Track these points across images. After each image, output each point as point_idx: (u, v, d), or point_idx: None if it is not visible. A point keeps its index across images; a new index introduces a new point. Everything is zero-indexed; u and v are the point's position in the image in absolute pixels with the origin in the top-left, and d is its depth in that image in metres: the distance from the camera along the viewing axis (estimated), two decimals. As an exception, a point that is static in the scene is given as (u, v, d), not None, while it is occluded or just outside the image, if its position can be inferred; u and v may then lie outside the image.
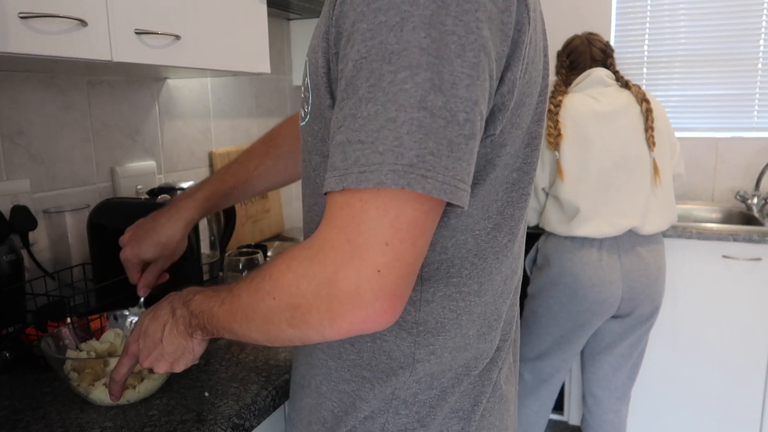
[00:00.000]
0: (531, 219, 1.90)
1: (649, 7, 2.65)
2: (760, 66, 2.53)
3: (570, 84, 1.92)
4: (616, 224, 1.72)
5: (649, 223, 1.75)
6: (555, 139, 1.75)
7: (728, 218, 2.51)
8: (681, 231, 2.10)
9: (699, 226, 2.14)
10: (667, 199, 1.80)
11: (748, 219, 2.45)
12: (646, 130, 1.75)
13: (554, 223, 1.79)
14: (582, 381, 2.07)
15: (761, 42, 2.52)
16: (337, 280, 0.51)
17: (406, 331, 0.65)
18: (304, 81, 0.65)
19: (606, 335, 1.89)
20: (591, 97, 1.77)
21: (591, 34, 1.95)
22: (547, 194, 1.84)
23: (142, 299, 0.98)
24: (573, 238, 1.76)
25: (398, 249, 0.51)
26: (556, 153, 1.75)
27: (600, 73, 1.83)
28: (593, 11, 2.70)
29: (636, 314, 1.82)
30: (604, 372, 1.94)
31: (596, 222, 1.72)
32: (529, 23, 0.57)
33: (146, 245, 0.94)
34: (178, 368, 0.73)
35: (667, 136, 1.81)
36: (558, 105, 1.79)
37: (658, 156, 1.77)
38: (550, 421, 2.48)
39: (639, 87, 1.81)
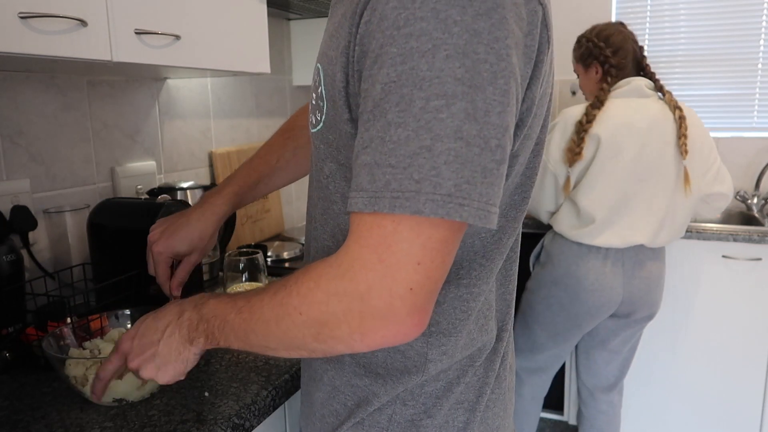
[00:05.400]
0: (544, 219, 1.90)
1: (649, 7, 2.65)
2: (760, 66, 2.53)
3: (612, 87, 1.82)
4: (625, 238, 1.73)
5: (660, 240, 1.77)
6: (574, 156, 1.71)
7: (728, 218, 2.51)
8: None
9: (699, 226, 2.14)
10: (685, 215, 1.79)
11: (748, 219, 2.45)
12: (679, 138, 1.73)
13: (565, 226, 1.78)
14: (576, 374, 2.09)
15: (761, 42, 2.52)
16: (370, 298, 0.52)
17: None
18: (317, 88, 0.64)
19: (601, 332, 1.92)
20: (631, 108, 1.73)
21: (624, 25, 1.85)
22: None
23: (171, 300, 0.96)
24: (580, 244, 1.77)
25: (429, 267, 0.52)
26: (569, 169, 1.73)
27: (640, 83, 1.76)
28: (593, 11, 2.70)
29: (633, 317, 1.85)
30: (597, 366, 1.98)
31: (607, 234, 1.73)
32: (548, 43, 0.58)
33: (179, 239, 0.95)
34: (164, 376, 0.71)
35: (699, 147, 1.76)
36: (591, 121, 1.70)
37: (690, 163, 1.75)
38: (550, 421, 2.48)
39: (671, 94, 1.79)
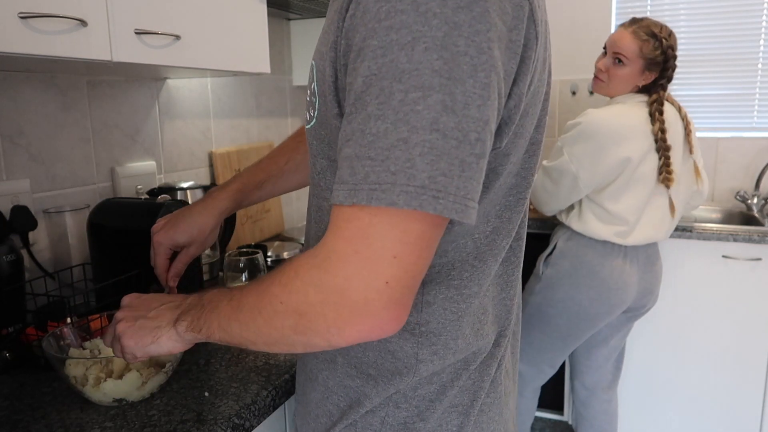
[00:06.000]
0: (548, 212, 1.87)
1: (649, 7, 2.65)
2: (760, 66, 2.53)
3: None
4: (647, 236, 1.75)
5: (668, 235, 1.82)
6: (672, 177, 1.67)
7: (728, 218, 2.51)
8: (681, 231, 2.10)
9: (699, 226, 2.13)
10: (683, 210, 1.84)
11: (748, 219, 2.45)
12: (687, 135, 1.75)
13: (592, 226, 1.75)
14: (573, 375, 2.08)
15: (761, 42, 2.51)
16: (346, 290, 0.52)
17: (408, 332, 0.67)
18: (310, 85, 0.65)
19: (604, 329, 1.93)
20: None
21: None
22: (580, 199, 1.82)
23: (166, 291, 0.99)
24: (604, 243, 1.76)
25: (406, 261, 0.52)
26: (670, 192, 1.70)
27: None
28: (593, 11, 2.70)
29: (640, 311, 1.88)
30: (598, 363, 1.99)
31: (635, 233, 1.74)
32: (536, 39, 0.58)
33: (181, 230, 0.96)
34: (129, 340, 0.71)
35: (697, 145, 1.82)
36: (664, 123, 1.67)
37: (697, 157, 1.79)
38: (550, 421, 2.48)
39: (670, 94, 1.80)
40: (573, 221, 1.80)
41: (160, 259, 0.97)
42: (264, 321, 0.59)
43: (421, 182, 0.50)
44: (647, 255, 1.81)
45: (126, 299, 0.77)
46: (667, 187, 1.69)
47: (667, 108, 1.74)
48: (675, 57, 1.73)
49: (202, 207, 0.98)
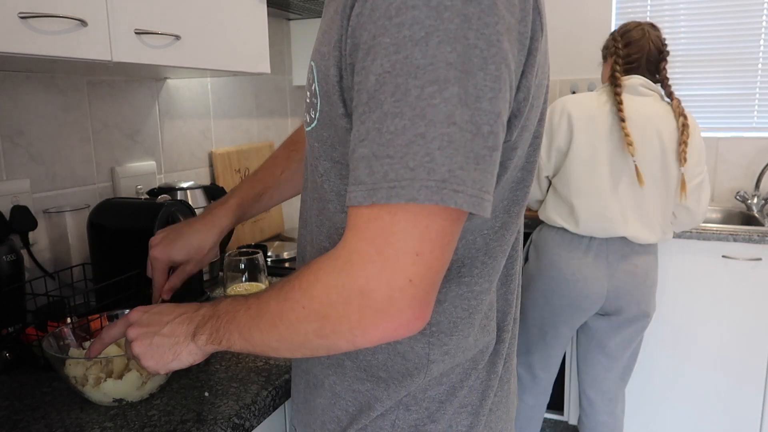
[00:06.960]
0: (533, 205, 1.93)
1: (649, 7, 2.65)
2: (760, 66, 2.53)
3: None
4: (606, 229, 1.73)
5: (644, 237, 1.75)
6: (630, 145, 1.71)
7: (728, 218, 2.51)
8: (681, 231, 2.10)
9: (699, 226, 2.13)
10: (668, 218, 1.81)
11: (748, 219, 2.45)
12: (679, 145, 1.73)
13: (549, 211, 1.81)
14: (577, 382, 2.08)
15: (761, 42, 2.51)
16: (369, 291, 0.52)
17: (419, 332, 0.66)
18: (310, 86, 0.64)
19: (595, 333, 1.91)
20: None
21: (653, 26, 1.85)
22: (549, 183, 1.85)
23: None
24: (564, 231, 1.79)
25: (428, 258, 0.52)
26: (634, 159, 1.70)
27: (635, 81, 1.77)
28: (593, 11, 2.70)
29: (624, 314, 1.82)
30: (596, 372, 1.96)
31: (588, 223, 1.73)
32: (542, 31, 0.58)
33: (178, 247, 0.94)
34: (149, 359, 0.71)
35: (694, 158, 1.77)
36: (621, 103, 1.73)
37: (689, 173, 1.75)
38: (550, 420, 2.48)
39: (679, 101, 1.79)
40: (541, 210, 1.86)
41: (157, 274, 0.95)
42: (286, 327, 0.58)
43: (441, 176, 0.50)
44: (622, 254, 1.76)
45: (134, 315, 0.74)
46: (631, 154, 1.69)
47: (648, 104, 1.74)
48: (616, 40, 1.83)
49: (202, 224, 0.97)
